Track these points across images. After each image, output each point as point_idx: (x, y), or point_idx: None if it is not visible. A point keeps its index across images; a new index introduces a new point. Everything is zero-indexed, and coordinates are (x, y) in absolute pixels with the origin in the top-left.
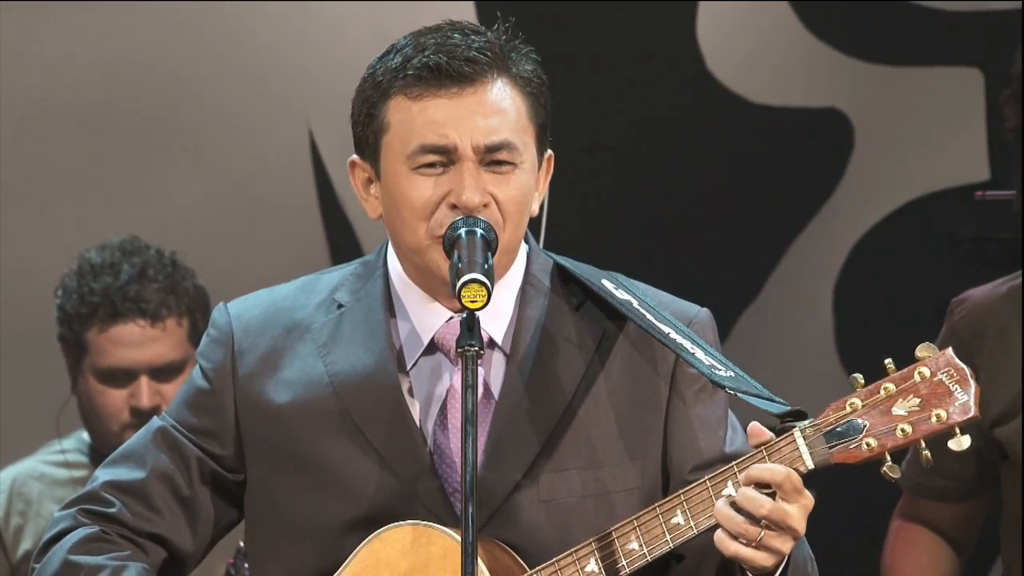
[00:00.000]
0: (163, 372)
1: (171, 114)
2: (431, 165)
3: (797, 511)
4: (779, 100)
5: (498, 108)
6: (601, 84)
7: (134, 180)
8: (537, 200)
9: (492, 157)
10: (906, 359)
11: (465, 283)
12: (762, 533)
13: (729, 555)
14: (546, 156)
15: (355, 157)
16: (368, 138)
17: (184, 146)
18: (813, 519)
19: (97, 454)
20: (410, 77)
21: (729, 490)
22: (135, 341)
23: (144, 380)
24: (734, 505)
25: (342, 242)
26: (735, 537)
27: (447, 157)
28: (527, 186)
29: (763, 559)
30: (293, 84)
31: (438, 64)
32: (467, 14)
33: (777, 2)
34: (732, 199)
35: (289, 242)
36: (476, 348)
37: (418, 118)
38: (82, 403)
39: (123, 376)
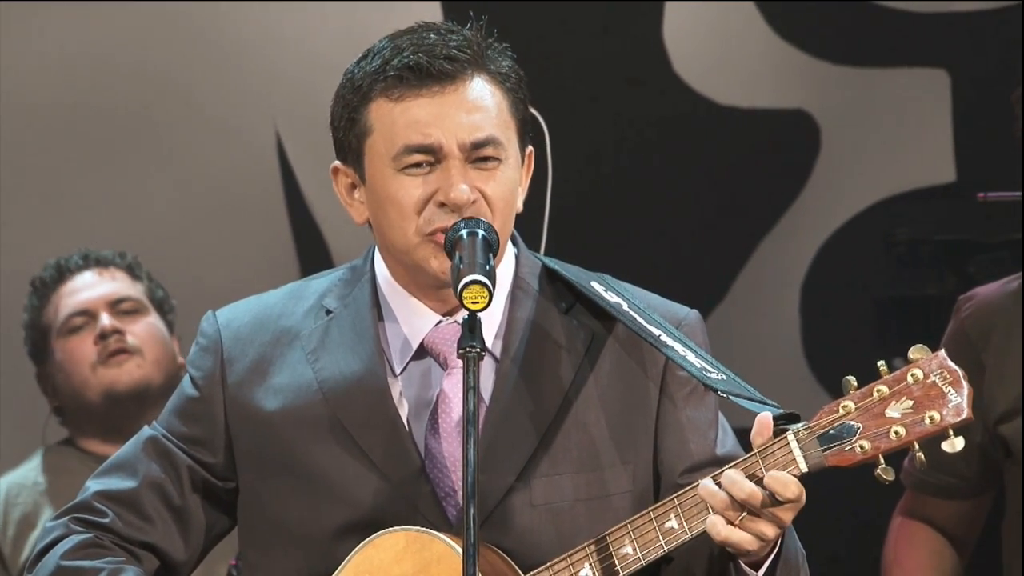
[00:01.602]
0: (120, 306)
1: (137, 115)
2: (417, 165)
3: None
4: (746, 102)
5: (480, 105)
6: (566, 85)
7: (101, 184)
8: (521, 196)
9: (478, 154)
10: (873, 359)
11: (467, 284)
12: (743, 514)
13: (719, 539)
14: (527, 152)
15: (337, 163)
16: (350, 143)
17: (151, 149)
18: (814, 516)
19: (71, 446)
20: (391, 79)
21: None
22: (87, 285)
23: (104, 314)
24: (719, 485)
25: (309, 244)
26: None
27: (433, 156)
28: (513, 181)
29: (749, 542)
30: (260, 87)
31: (418, 64)
32: (433, 15)
33: (743, 3)
34: (699, 200)
35: (256, 244)
36: (477, 350)
37: (401, 119)
38: (57, 384)
39: (84, 319)
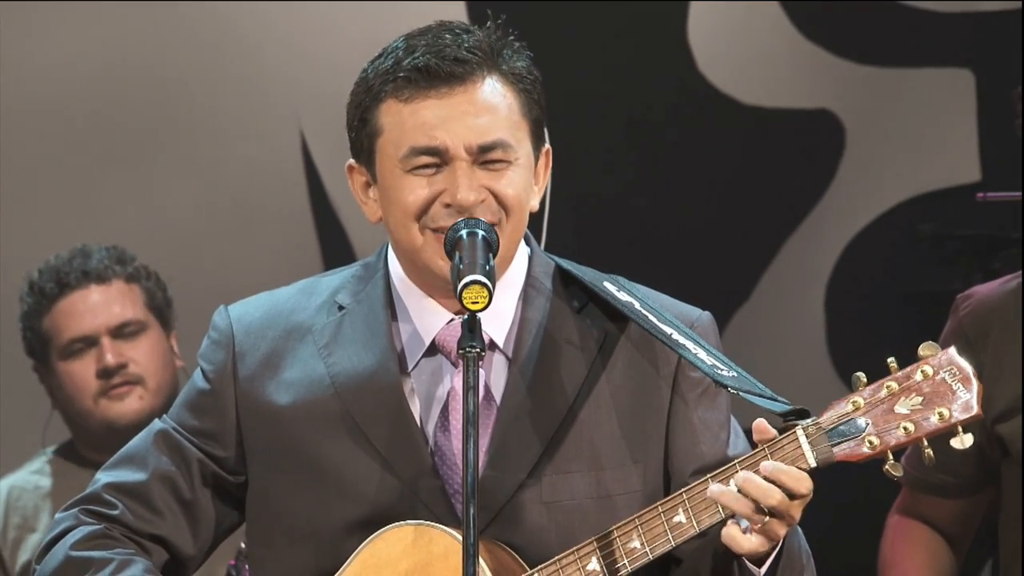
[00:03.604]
0: (123, 331)
1: (162, 118)
2: (425, 167)
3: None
4: (770, 101)
5: (489, 106)
6: (592, 85)
7: (126, 185)
8: (537, 196)
9: (485, 157)
10: (898, 358)
11: (466, 284)
12: (765, 519)
13: (741, 552)
14: (544, 150)
15: (352, 162)
16: (363, 142)
17: (176, 150)
18: (811, 513)
19: (74, 453)
20: (400, 79)
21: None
22: (88, 307)
23: (105, 341)
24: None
25: (335, 245)
26: (733, 518)
27: (440, 158)
28: (523, 181)
29: (761, 544)
30: (284, 87)
31: (427, 65)
32: (458, 15)
33: (768, 3)
34: (724, 200)
35: (282, 245)
36: (477, 349)
37: (409, 121)
38: (58, 400)
39: (85, 345)
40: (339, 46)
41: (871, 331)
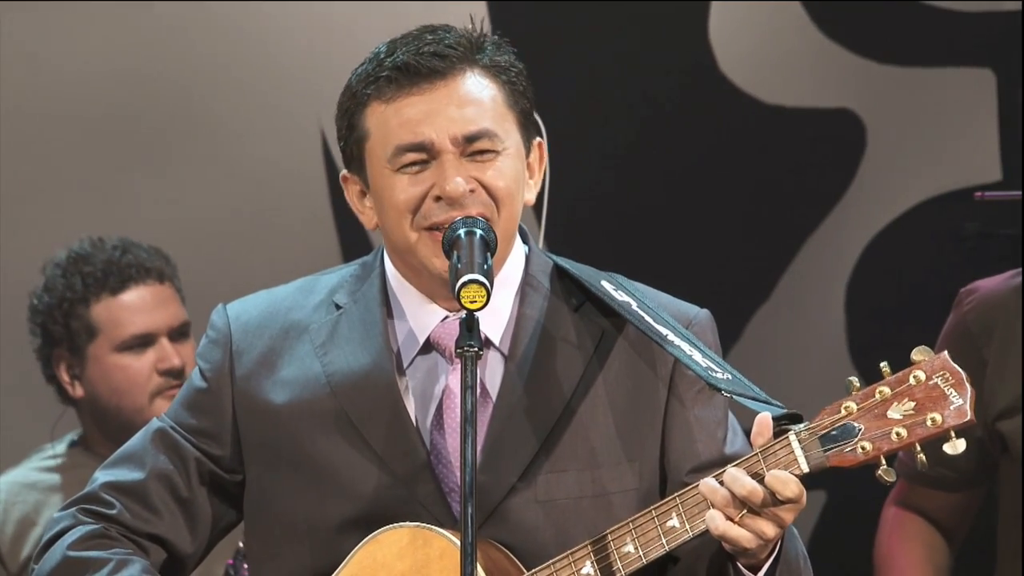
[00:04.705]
0: (180, 332)
1: (182, 118)
2: (413, 164)
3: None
4: (791, 100)
5: (473, 98)
6: (613, 84)
7: (147, 185)
8: (533, 189)
9: (472, 147)
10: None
11: (464, 283)
12: (743, 511)
13: (717, 534)
14: (535, 143)
15: (345, 172)
16: (352, 150)
17: (196, 150)
18: (808, 508)
19: (91, 450)
20: (382, 80)
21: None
22: (150, 304)
23: (165, 341)
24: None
25: (355, 245)
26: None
27: (427, 154)
28: (514, 170)
29: (747, 540)
30: (305, 87)
31: (406, 63)
32: (479, 14)
33: (789, 2)
34: (744, 199)
35: (302, 246)
36: (475, 349)
37: (393, 120)
38: (98, 390)
39: (143, 342)
40: (360, 46)
41: (892, 331)
